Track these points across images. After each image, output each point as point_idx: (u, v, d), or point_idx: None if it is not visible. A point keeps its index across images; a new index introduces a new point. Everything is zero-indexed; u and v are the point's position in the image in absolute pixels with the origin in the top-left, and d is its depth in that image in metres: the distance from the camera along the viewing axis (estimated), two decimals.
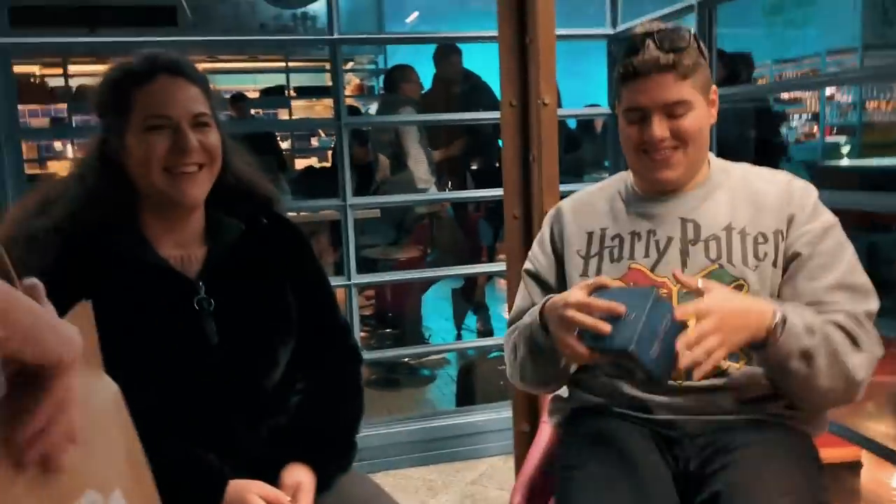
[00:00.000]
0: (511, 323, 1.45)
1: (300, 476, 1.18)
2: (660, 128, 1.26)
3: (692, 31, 1.28)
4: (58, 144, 7.37)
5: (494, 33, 2.05)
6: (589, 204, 1.43)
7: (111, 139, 1.16)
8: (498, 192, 2.37)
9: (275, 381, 1.23)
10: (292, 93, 7.95)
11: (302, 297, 1.29)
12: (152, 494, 0.84)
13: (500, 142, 4.67)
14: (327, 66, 9.06)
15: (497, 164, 4.74)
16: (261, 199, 1.31)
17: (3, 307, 0.53)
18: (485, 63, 4.20)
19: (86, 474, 0.76)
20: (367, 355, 2.84)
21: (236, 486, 1.14)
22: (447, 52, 4.13)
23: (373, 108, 8.14)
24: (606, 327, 1.10)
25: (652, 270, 1.31)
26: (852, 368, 1.18)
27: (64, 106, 6.95)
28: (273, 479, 1.17)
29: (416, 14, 7.99)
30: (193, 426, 1.15)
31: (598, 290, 1.18)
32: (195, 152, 1.15)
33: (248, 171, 1.30)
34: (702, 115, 1.28)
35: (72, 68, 7.44)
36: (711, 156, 1.40)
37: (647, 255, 1.32)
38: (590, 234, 1.38)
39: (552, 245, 1.43)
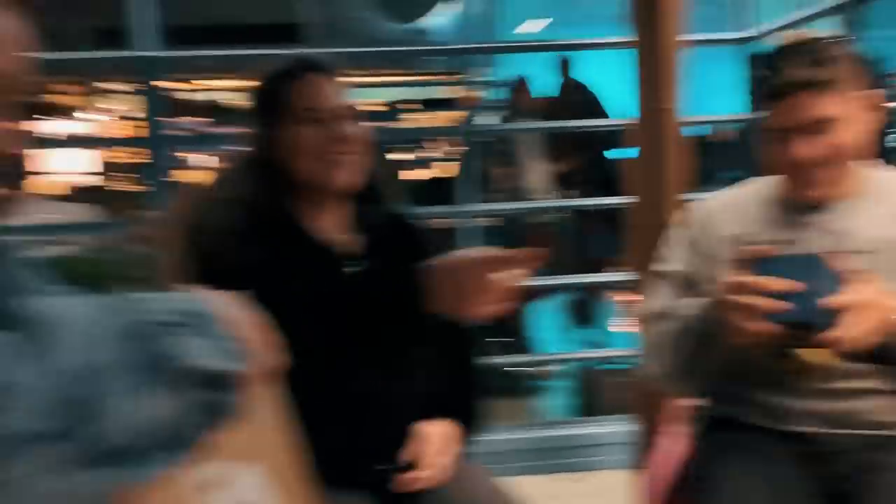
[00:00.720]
0: (645, 325, 1.42)
1: (439, 427, 1.25)
2: (803, 148, 1.22)
3: (843, 39, 1.24)
4: (190, 156, 7.80)
5: (617, 39, 2.04)
6: (735, 206, 1.39)
7: (268, 135, 1.26)
8: (616, 200, 2.35)
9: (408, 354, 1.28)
10: (413, 106, 8.13)
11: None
12: (298, 470, 0.89)
13: (615, 151, 4.63)
14: (443, 78, 9.23)
15: (611, 174, 4.69)
16: (391, 194, 1.42)
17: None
18: (599, 72, 4.18)
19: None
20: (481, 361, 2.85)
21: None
22: (564, 62, 4.15)
23: (483, 119, 8.21)
24: (786, 306, 1.08)
25: None
26: None
27: (201, 119, 7.38)
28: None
29: (529, 23, 8.01)
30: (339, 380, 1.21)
31: (757, 261, 1.14)
32: (347, 140, 1.24)
33: (378, 167, 1.39)
34: (854, 128, 1.23)
35: (207, 83, 7.90)
36: (875, 162, 1.34)
37: None
38: (735, 236, 1.33)
39: (693, 245, 1.39)
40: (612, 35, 2.39)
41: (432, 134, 8.49)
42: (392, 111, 8.17)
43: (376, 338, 1.23)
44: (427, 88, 9.21)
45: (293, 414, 0.90)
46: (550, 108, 4.08)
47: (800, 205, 1.31)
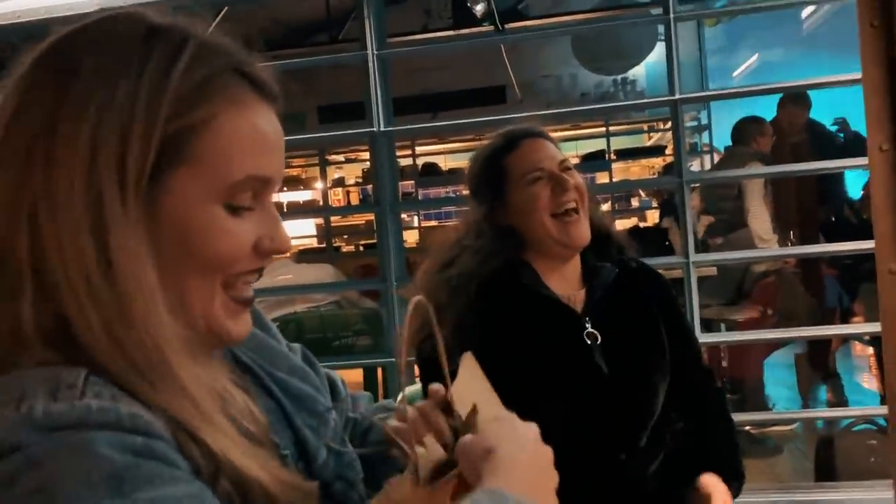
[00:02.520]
0: None
1: (714, 482, 1.21)
2: None
3: None
4: (405, 216, 8.33)
5: (849, 77, 1.92)
6: None
7: (496, 205, 1.33)
8: (854, 245, 2.18)
9: (654, 417, 1.27)
10: (613, 156, 8.07)
11: (673, 338, 1.34)
12: None
13: (849, 191, 4.26)
14: (645, 126, 9.09)
15: (846, 217, 4.32)
16: (620, 246, 1.42)
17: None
18: (830, 109, 3.91)
19: None
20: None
21: None
22: (790, 100, 3.93)
23: (695, 164, 7.94)
24: None
25: None
26: None
27: (411, 182, 7.86)
28: None
29: (746, 66, 7.69)
30: (584, 456, 1.22)
31: None
32: (572, 190, 1.30)
33: (604, 219, 1.43)
34: None
35: (417, 149, 8.43)
36: None
37: None
38: None
39: None
40: (839, 72, 2.25)
41: (648, 184, 8.36)
42: (604, 162, 8.16)
43: (621, 411, 1.24)
44: (637, 136, 9.11)
45: None
46: (783, 150, 3.86)
47: None
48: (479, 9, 4.62)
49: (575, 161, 7.86)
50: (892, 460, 1.85)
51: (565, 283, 1.34)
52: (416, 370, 1.26)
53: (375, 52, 2.42)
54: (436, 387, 0.71)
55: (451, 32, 5.28)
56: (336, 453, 0.73)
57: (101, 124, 0.54)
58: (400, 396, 0.86)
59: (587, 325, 1.29)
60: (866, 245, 1.90)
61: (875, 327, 2.03)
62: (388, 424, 0.72)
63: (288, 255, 7.63)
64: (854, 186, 4.37)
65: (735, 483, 1.28)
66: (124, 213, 0.54)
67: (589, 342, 1.28)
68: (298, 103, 7.13)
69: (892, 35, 1.83)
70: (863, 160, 1.92)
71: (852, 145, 4.01)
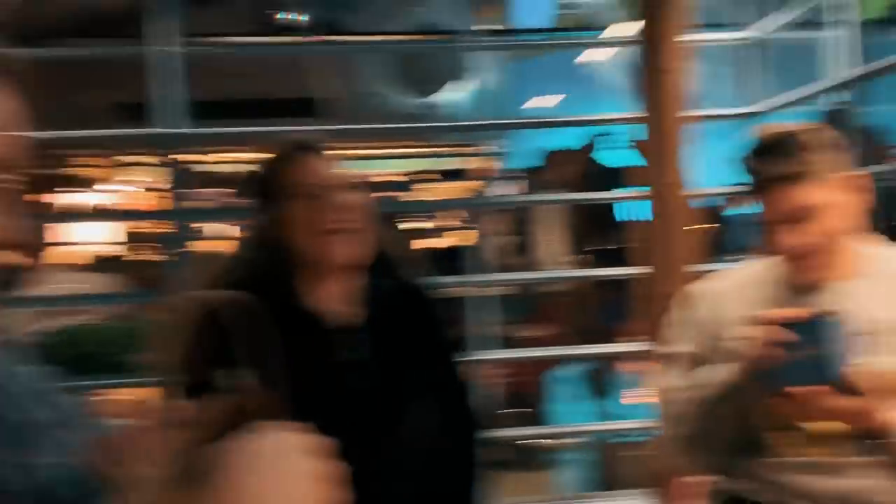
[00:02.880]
0: (663, 399, 1.44)
1: None
2: (789, 238, 1.26)
3: (817, 127, 1.28)
4: (211, 227, 7.95)
5: (628, 115, 2.10)
6: (740, 286, 1.42)
7: (270, 218, 1.31)
8: (631, 270, 2.36)
9: (406, 435, 1.27)
10: (427, 176, 8.25)
11: (436, 356, 1.39)
12: None
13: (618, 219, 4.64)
14: (452, 150, 9.40)
15: (622, 244, 4.72)
16: (399, 264, 1.44)
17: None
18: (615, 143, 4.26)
19: None
20: (492, 434, 2.82)
21: None
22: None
23: (498, 189, 8.30)
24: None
25: None
26: None
27: (221, 191, 7.53)
28: None
29: (546, 99, 8.18)
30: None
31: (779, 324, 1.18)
32: (348, 210, 1.29)
33: (386, 236, 1.44)
34: (838, 212, 1.26)
35: (228, 156, 8.08)
36: (870, 242, 1.35)
37: None
38: (741, 317, 1.35)
39: (699, 326, 1.42)
40: (625, 111, 2.45)
41: (448, 206, 8.63)
42: (408, 182, 8.30)
43: (367, 426, 1.25)
44: (443, 160, 9.38)
45: None
46: (574, 180, 4.15)
47: (799, 287, 1.33)
48: (293, 18, 4.54)
49: (392, 180, 7.99)
50: (649, 470, 2.03)
51: (335, 299, 1.32)
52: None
53: (164, 48, 2.28)
54: (182, 404, 0.67)
55: (258, 39, 5.13)
56: None
57: None
58: None
59: (354, 343, 1.29)
60: (637, 270, 2.07)
61: (643, 346, 2.22)
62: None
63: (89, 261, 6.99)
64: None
65: None
66: None
67: (354, 360, 1.28)
68: (94, 99, 6.59)
69: (663, 79, 2.03)
70: (635, 193, 2.09)
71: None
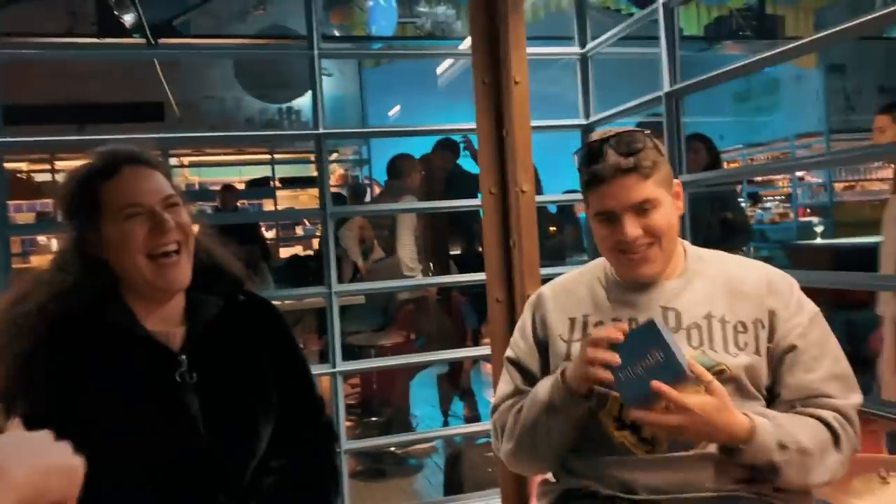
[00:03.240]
0: (495, 408, 1.47)
1: None
2: (632, 227, 1.30)
3: (646, 132, 1.35)
4: (42, 238, 7.40)
5: (465, 126, 2.14)
6: (570, 290, 1.46)
7: (87, 236, 1.20)
8: (481, 276, 2.41)
9: (257, 458, 1.23)
10: (277, 183, 8.08)
11: (279, 373, 1.32)
12: None
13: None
14: (311, 157, 9.28)
15: (479, 250, 4.83)
16: (233, 278, 1.35)
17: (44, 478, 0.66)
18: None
19: None
20: (352, 445, 2.80)
21: None
22: (446, 144, 4.30)
23: (354, 195, 8.29)
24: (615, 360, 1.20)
25: None
26: (823, 473, 1.25)
27: (49, 200, 7.02)
28: None
29: (398, 108, 8.24)
30: (182, 496, 1.15)
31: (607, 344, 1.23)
32: (173, 231, 1.20)
33: (219, 251, 1.36)
34: (669, 210, 1.33)
35: (59, 164, 7.56)
36: (687, 244, 1.45)
37: None
38: (572, 320, 1.41)
39: (533, 332, 1.46)
40: (465, 121, 2.50)
41: (297, 216, 8.48)
42: (261, 190, 8.11)
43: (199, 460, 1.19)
44: (297, 167, 9.23)
45: None
46: (432, 187, 4.18)
47: (628, 285, 1.40)
48: (129, 19, 4.31)
49: (239, 186, 7.77)
50: (500, 470, 2.08)
51: (162, 319, 1.24)
52: None
53: None
54: None
55: (96, 40, 4.84)
56: None
57: None
58: None
59: (182, 364, 1.21)
60: (482, 276, 2.12)
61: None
62: None
63: None
64: None
65: None
66: None
67: (182, 381, 1.21)
68: None
69: (499, 91, 2.09)
70: (478, 201, 2.14)
71: None
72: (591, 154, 1.33)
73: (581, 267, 1.55)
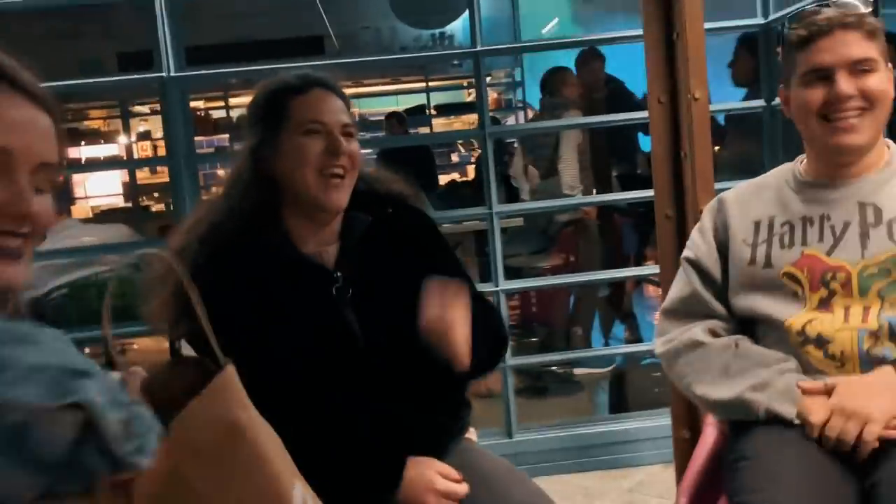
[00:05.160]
0: (667, 311, 1.42)
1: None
2: (847, 84, 1.20)
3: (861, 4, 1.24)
4: (221, 172, 7.97)
5: (637, 32, 2.02)
6: (754, 194, 1.38)
7: (264, 147, 1.27)
8: (646, 193, 2.32)
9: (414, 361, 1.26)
10: (433, 111, 8.16)
11: (436, 272, 1.32)
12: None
13: (641, 144, 4.55)
14: (465, 83, 9.25)
15: (638, 169, 4.64)
16: (393, 197, 1.39)
17: None
18: (627, 66, 4.14)
19: (288, 470, 0.85)
20: (515, 361, 2.85)
21: (415, 463, 1.20)
22: (588, 57, 4.11)
23: (511, 119, 8.20)
24: None
25: (828, 255, 1.25)
26: None
27: (226, 136, 7.51)
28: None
29: (555, 21, 7.98)
30: (347, 411, 1.22)
31: None
32: (344, 156, 1.25)
33: (379, 175, 1.41)
34: (885, 79, 1.22)
35: (231, 101, 8.04)
36: (890, 142, 1.32)
37: (821, 240, 1.26)
38: (757, 223, 1.34)
39: (714, 234, 1.39)
40: (629, 28, 2.38)
41: (456, 137, 8.53)
42: (420, 117, 8.21)
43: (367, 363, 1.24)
44: (453, 93, 9.24)
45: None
46: (588, 104, 4.02)
47: (824, 181, 1.30)
48: None
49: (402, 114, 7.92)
50: (671, 390, 2.04)
51: (317, 240, 1.30)
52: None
53: None
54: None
55: None
56: None
57: None
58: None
59: (338, 280, 1.27)
60: (649, 193, 2.03)
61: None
62: None
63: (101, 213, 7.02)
64: (647, 140, 4.68)
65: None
66: None
67: (337, 297, 1.26)
68: (96, 49, 6.53)
69: None
70: (642, 114, 2.04)
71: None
72: (807, 13, 1.23)
73: (764, 174, 1.45)
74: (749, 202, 1.37)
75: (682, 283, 1.41)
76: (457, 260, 1.44)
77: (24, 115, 0.76)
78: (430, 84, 8.42)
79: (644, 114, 2.41)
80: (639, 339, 3.97)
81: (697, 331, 1.35)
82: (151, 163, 6.73)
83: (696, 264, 1.40)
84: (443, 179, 7.75)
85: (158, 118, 8.47)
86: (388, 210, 1.35)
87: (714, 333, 1.35)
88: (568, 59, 4.27)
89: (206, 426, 0.81)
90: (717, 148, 4.94)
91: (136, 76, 2.70)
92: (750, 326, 1.36)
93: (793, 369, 1.24)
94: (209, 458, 0.80)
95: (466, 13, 2.47)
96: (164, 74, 2.28)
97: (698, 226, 1.44)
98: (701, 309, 1.38)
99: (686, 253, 1.43)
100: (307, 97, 1.26)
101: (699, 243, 1.41)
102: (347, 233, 1.32)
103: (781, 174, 1.39)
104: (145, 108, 8.37)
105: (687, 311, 1.39)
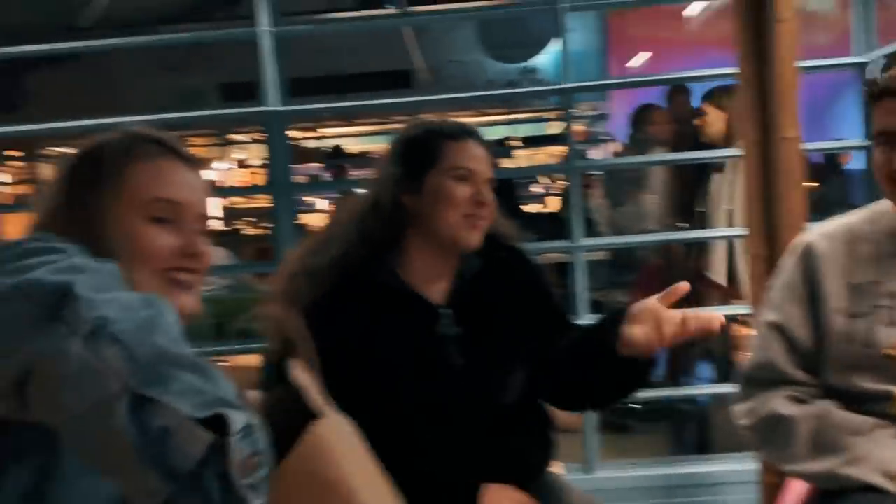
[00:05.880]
0: (747, 378, 1.34)
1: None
2: None
3: None
4: (308, 199, 8.22)
5: (727, 70, 2.02)
6: (848, 244, 1.26)
7: (408, 180, 1.32)
8: (730, 232, 2.29)
9: (514, 401, 1.31)
10: (520, 142, 8.22)
11: (543, 319, 1.39)
12: None
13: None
14: (546, 115, 9.28)
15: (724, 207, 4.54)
16: (501, 237, 1.43)
17: None
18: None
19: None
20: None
21: (490, 490, 1.23)
22: (674, 91, 4.09)
23: (596, 152, 8.16)
24: None
25: None
26: None
27: (317, 165, 7.76)
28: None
29: (640, 56, 7.94)
30: (437, 443, 1.26)
31: None
32: (488, 206, 1.32)
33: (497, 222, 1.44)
34: None
35: (321, 131, 8.32)
36: None
37: None
38: (854, 287, 1.22)
39: (804, 292, 1.27)
40: (718, 66, 2.37)
41: (543, 171, 8.56)
42: (503, 149, 8.28)
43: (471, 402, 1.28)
44: (537, 125, 9.28)
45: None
46: (681, 139, 3.99)
47: None
48: None
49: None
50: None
51: (435, 276, 1.35)
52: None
53: (268, 28, 2.36)
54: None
55: (354, 14, 5.22)
56: None
57: None
58: None
59: (446, 318, 1.31)
60: (740, 231, 2.02)
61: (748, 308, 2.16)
62: None
63: None
64: None
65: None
66: None
67: (444, 335, 1.30)
68: (199, 80, 6.90)
69: (763, 30, 1.94)
70: (735, 151, 2.03)
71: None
72: (886, 65, 1.19)
73: (861, 210, 1.32)
74: (843, 258, 1.25)
75: (764, 349, 1.31)
76: (562, 307, 1.48)
77: (187, 178, 0.96)
78: (514, 116, 8.50)
79: (735, 151, 2.39)
80: (726, 379, 3.86)
81: (779, 401, 1.27)
82: (255, 191, 7.07)
83: (781, 330, 1.29)
84: (525, 210, 7.78)
85: (254, 145, 8.89)
86: (502, 254, 1.40)
87: (797, 400, 1.27)
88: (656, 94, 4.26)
89: (302, 483, 0.93)
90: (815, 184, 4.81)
91: (242, 110, 2.85)
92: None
93: (890, 436, 1.17)
94: None
95: (551, 46, 2.52)
96: (269, 108, 2.41)
97: (784, 280, 1.32)
98: (782, 378, 1.29)
99: (769, 316, 1.32)
100: (462, 144, 1.33)
101: (786, 305, 1.29)
102: (459, 271, 1.37)
103: (877, 222, 1.27)
104: (244, 136, 8.76)
105: (768, 378, 1.30)
